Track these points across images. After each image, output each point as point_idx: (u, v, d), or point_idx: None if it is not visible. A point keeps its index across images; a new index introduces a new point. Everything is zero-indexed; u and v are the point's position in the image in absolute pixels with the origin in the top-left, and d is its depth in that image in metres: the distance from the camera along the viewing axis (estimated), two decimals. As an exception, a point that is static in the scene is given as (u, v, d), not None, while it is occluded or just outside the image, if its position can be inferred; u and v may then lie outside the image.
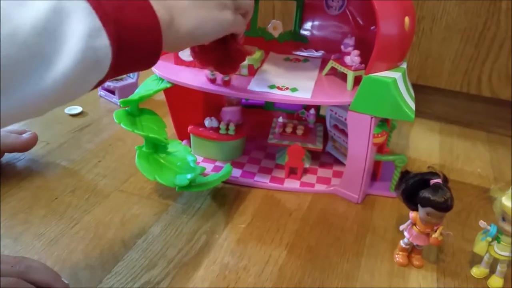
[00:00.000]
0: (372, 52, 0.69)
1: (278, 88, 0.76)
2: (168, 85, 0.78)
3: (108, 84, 1.12)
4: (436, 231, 0.62)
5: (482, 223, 0.62)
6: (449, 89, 1.07)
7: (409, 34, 0.72)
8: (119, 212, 0.75)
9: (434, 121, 1.19)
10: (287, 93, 0.74)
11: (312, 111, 0.92)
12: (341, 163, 0.91)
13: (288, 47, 0.94)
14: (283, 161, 0.87)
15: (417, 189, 0.62)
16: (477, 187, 0.90)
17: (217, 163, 0.89)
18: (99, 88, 1.17)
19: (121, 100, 0.75)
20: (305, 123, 0.93)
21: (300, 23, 0.93)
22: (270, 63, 0.88)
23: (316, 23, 0.92)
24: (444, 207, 0.59)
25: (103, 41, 0.37)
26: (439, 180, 0.61)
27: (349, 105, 0.73)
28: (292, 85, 0.77)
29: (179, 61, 0.82)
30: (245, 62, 0.79)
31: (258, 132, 0.98)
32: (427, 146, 1.05)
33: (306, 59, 0.91)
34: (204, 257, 0.66)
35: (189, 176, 0.73)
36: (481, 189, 0.89)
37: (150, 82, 0.81)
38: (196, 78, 0.78)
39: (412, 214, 0.64)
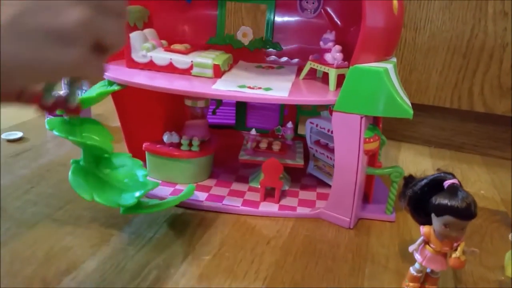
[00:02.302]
0: (357, 41, 0.58)
1: (249, 87, 0.63)
2: (117, 88, 0.64)
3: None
4: (456, 249, 0.48)
5: (513, 237, 0.48)
6: (437, 106, 0.98)
7: (398, 19, 0.63)
8: (45, 244, 0.57)
9: (422, 145, 1.08)
10: (260, 92, 0.62)
11: (290, 124, 0.79)
12: (326, 185, 0.77)
13: (259, 55, 0.83)
14: (258, 182, 0.72)
15: (429, 194, 0.48)
16: (484, 209, 0.77)
17: (178, 187, 0.74)
18: (46, 114, 1.02)
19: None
20: (282, 140, 0.81)
21: (272, 29, 0.83)
22: (240, 68, 0.76)
23: (290, 28, 0.82)
24: (467, 214, 0.45)
25: None
26: (455, 181, 0.48)
27: (333, 106, 0.61)
28: (266, 85, 0.65)
29: (132, 64, 0.69)
30: (210, 62, 0.67)
31: (228, 155, 0.84)
32: (419, 169, 0.92)
33: (280, 66, 0.80)
34: (153, 298, 0.49)
35: (137, 193, 0.57)
36: (489, 211, 0.76)
37: (98, 88, 0.68)
38: (153, 81, 0.65)
39: (424, 229, 0.50)
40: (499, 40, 0.88)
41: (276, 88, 0.63)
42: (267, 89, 0.63)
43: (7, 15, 0.27)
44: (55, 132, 0.58)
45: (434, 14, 0.90)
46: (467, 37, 0.90)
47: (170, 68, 0.68)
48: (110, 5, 0.30)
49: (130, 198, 0.57)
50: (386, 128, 0.67)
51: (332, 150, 0.74)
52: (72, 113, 0.46)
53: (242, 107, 0.91)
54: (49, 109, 0.42)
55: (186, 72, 0.68)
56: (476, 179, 0.91)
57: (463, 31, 0.89)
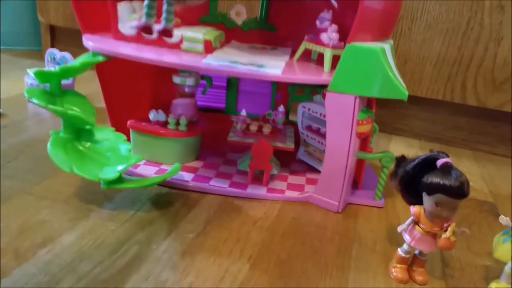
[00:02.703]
0: (355, 19, 0.56)
1: (242, 64, 0.61)
2: (101, 59, 0.62)
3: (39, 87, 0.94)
4: (446, 229, 0.47)
5: (504, 219, 0.47)
6: (430, 98, 0.97)
7: (397, 0, 0.61)
8: (20, 217, 0.55)
9: (412, 138, 1.07)
10: (253, 68, 0.60)
11: (281, 108, 0.77)
12: (316, 171, 0.76)
13: (253, 36, 0.81)
14: (246, 166, 0.70)
15: (421, 174, 0.47)
16: (473, 199, 0.76)
17: (163, 166, 0.71)
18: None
19: (36, 71, 0.58)
20: (273, 124, 0.79)
21: (267, 9, 0.81)
22: (232, 47, 0.74)
23: (285, 9, 0.80)
24: (460, 192, 0.44)
25: None
26: (448, 160, 0.47)
27: (326, 88, 0.60)
28: (259, 63, 0.63)
29: (119, 36, 0.67)
30: (201, 37, 0.65)
31: (217, 139, 0.82)
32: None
33: (274, 48, 0.78)
34: (132, 272, 0.47)
35: (119, 167, 0.55)
36: (478, 202, 0.76)
37: (81, 58, 0.65)
38: (140, 53, 0.62)
39: (415, 209, 0.49)
40: (494, 34, 0.87)
41: (269, 66, 0.61)
42: (260, 66, 0.61)
43: None
44: (34, 100, 0.55)
45: (431, 5, 0.89)
46: (463, 29, 0.89)
47: (158, 42, 0.66)
48: None
49: (111, 171, 0.55)
50: (377, 120, 0.66)
51: (323, 135, 0.72)
52: (166, 35, 0.53)
53: (232, 91, 0.89)
54: (146, 30, 0.52)
55: (175, 46, 0.66)
56: (465, 171, 0.88)
57: (459, 23, 0.89)
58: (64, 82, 0.96)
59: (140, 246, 0.52)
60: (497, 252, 0.48)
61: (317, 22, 0.66)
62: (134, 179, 0.59)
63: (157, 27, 0.57)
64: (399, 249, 0.51)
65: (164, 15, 0.54)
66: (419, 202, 0.48)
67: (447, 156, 0.47)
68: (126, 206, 0.60)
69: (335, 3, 0.74)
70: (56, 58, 0.99)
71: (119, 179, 0.56)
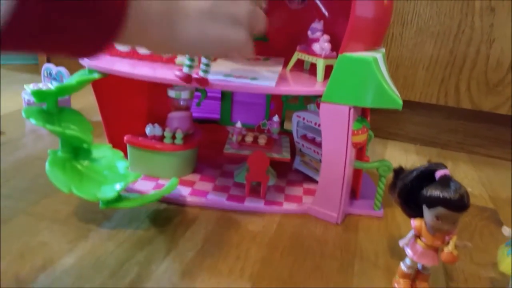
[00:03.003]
0: (346, 29, 0.57)
1: (236, 77, 0.61)
2: (97, 76, 0.62)
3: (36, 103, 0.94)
4: (448, 243, 0.47)
5: (506, 230, 0.47)
6: (424, 103, 0.97)
7: (388, 8, 0.62)
8: (20, 239, 0.54)
9: (408, 143, 1.08)
10: (247, 81, 0.60)
11: (276, 118, 0.77)
12: (313, 180, 0.76)
13: (246, 47, 0.81)
14: (243, 178, 0.70)
15: (420, 186, 0.47)
16: (472, 205, 0.75)
17: (160, 181, 0.71)
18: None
19: (33, 90, 0.57)
20: (268, 134, 0.79)
21: (260, 20, 0.81)
22: (224, 59, 0.74)
23: (276, 18, 0.80)
24: (460, 205, 0.44)
25: None
26: (447, 171, 0.47)
27: (320, 98, 0.60)
28: (252, 76, 0.63)
29: (114, 52, 0.67)
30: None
31: (212, 150, 0.82)
32: (407, 166, 0.92)
33: (267, 58, 0.78)
34: (133, 295, 0.47)
35: (117, 186, 0.55)
36: (477, 208, 0.76)
37: (78, 76, 0.65)
38: (135, 69, 0.62)
39: (415, 223, 0.49)
40: (486, 36, 0.87)
41: (262, 78, 0.61)
42: (253, 78, 0.61)
43: (207, 3, 0.36)
44: (32, 121, 0.55)
45: (422, 8, 0.90)
46: (454, 32, 0.89)
47: (153, 57, 0.66)
48: (259, 2, 0.44)
49: (110, 190, 0.54)
50: (371, 125, 0.66)
51: (319, 144, 0.72)
52: (201, 83, 0.57)
53: (227, 101, 0.89)
54: (186, 79, 0.57)
55: (170, 61, 0.66)
56: (463, 176, 0.90)
57: (450, 26, 0.89)
58: (60, 97, 0.96)
59: (139, 267, 0.51)
60: (502, 265, 0.48)
61: (309, 33, 0.66)
62: (133, 197, 0.58)
63: (194, 76, 0.60)
64: (402, 264, 0.51)
65: (202, 67, 0.57)
66: (420, 214, 0.48)
67: (445, 167, 0.47)
68: (125, 224, 0.60)
69: (326, 13, 0.75)
70: (52, 73, 0.99)
71: (118, 198, 0.56)
